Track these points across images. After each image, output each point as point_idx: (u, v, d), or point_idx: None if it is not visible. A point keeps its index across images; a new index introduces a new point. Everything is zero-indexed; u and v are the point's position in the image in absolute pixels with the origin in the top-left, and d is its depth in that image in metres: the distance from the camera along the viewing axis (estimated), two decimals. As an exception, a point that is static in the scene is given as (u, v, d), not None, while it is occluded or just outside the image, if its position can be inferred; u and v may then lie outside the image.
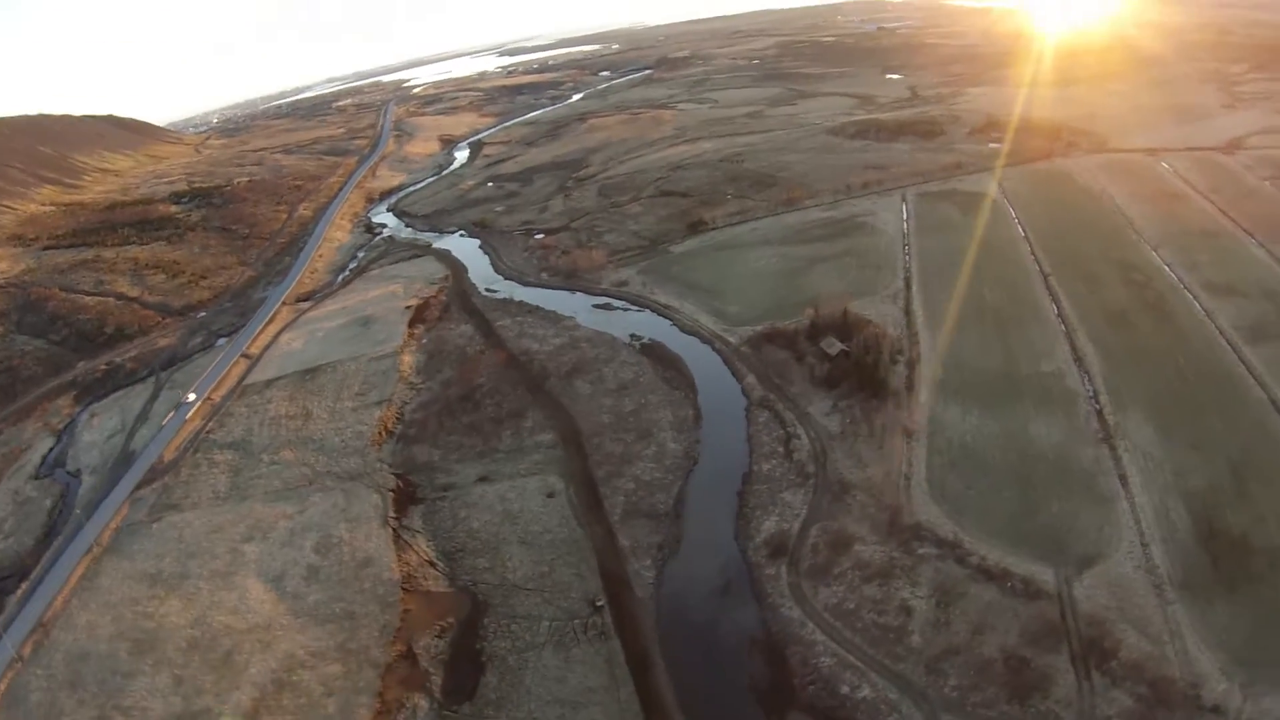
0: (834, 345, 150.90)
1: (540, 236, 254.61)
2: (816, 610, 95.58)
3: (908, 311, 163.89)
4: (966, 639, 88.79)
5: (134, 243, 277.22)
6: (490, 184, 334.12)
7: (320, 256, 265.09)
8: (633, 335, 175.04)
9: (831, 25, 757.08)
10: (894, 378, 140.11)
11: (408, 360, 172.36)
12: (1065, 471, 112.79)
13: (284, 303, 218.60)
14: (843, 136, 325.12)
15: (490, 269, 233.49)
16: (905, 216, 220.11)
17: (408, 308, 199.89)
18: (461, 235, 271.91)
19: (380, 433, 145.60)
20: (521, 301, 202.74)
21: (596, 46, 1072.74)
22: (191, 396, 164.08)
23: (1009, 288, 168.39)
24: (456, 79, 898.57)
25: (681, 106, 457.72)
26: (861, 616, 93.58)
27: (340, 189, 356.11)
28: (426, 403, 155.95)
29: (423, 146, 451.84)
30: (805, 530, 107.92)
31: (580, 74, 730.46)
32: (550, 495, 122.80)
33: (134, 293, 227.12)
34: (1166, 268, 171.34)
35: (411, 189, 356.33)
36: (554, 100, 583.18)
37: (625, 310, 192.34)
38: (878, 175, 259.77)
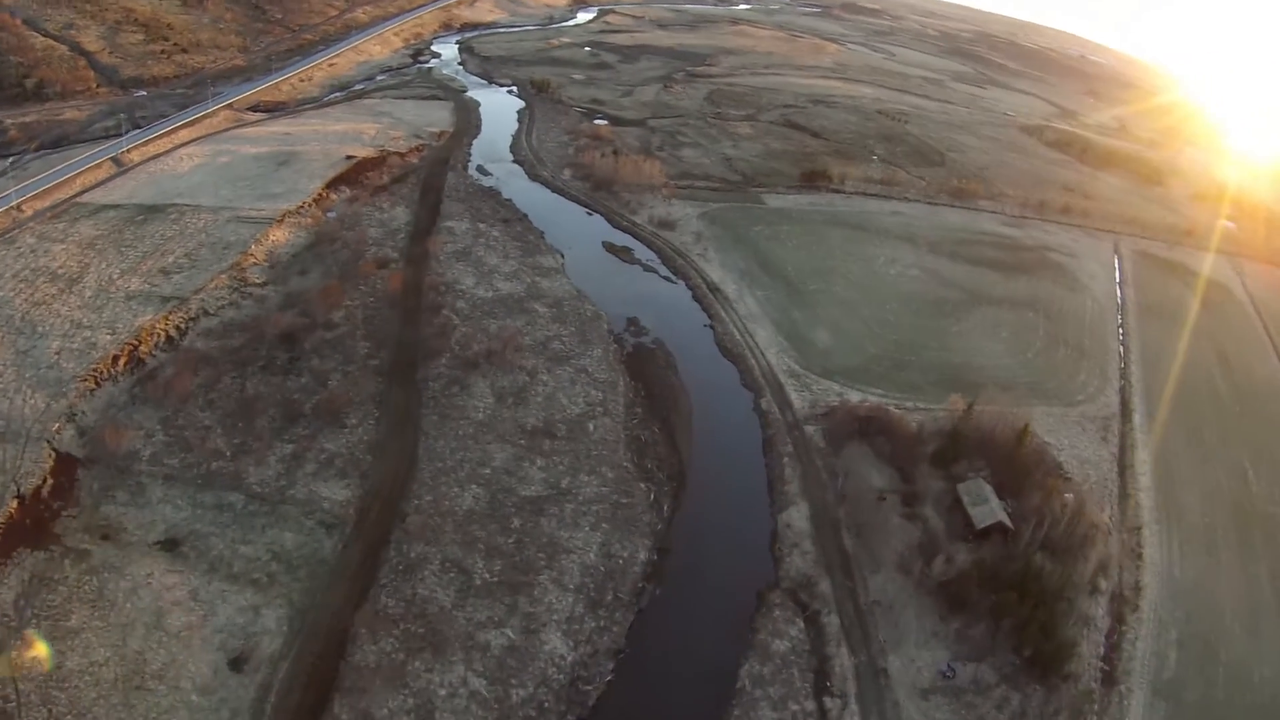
0: (987, 506, 74.26)
1: (601, 122, 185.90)
2: None
3: (1122, 467, 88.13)
4: None
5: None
6: (588, 49, 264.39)
7: (331, 65, 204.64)
8: (631, 321, 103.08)
9: (1031, 39, 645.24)
10: (1083, 640, 65.13)
11: (276, 239, 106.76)
12: None
13: (231, 106, 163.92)
14: (1038, 139, 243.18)
15: (508, 143, 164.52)
16: (1119, 278, 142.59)
17: (348, 158, 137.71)
18: (509, 92, 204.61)
19: (117, 361, 78.38)
20: (508, 201, 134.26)
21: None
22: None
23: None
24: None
25: (851, 46, 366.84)
26: None
27: (420, 6, 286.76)
28: (230, 327, 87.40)
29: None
30: None
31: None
32: (236, 663, 52.39)
33: (94, 47, 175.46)
34: None
35: (500, 30, 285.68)
36: (717, 2, 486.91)
37: (647, 269, 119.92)
38: (1081, 203, 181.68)
